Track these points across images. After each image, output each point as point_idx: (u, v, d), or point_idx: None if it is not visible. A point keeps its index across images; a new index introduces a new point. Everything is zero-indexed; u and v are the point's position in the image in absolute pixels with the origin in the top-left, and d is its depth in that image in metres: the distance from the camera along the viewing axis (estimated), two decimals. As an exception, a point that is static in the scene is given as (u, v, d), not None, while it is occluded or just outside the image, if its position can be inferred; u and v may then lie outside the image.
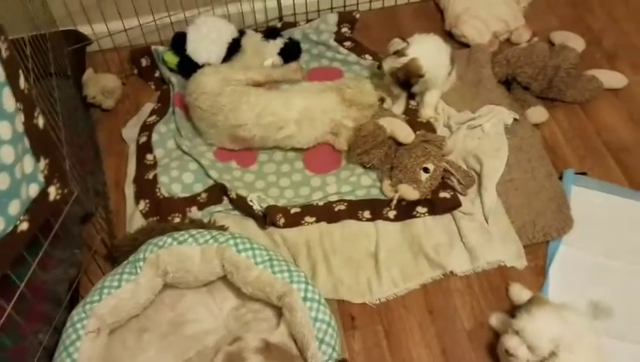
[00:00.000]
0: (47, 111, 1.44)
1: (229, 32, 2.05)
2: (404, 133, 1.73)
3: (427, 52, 1.82)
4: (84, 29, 2.08)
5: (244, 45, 2.07)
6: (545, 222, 1.64)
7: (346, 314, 1.54)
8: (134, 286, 1.36)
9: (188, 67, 2.00)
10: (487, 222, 1.65)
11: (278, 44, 2.09)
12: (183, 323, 1.45)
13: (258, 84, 1.89)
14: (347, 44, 2.17)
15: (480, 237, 1.62)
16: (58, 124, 1.51)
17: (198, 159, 1.80)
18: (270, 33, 2.12)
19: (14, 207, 1.09)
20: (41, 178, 1.17)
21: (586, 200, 1.71)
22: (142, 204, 1.73)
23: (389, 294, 1.55)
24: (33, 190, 1.15)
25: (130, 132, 1.93)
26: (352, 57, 2.11)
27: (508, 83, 2.01)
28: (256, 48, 2.07)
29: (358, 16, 2.26)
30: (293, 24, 2.24)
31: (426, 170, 1.68)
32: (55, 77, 1.74)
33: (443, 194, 1.70)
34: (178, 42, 2.02)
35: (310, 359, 1.27)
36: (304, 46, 2.14)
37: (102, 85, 1.98)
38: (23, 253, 1.18)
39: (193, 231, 1.41)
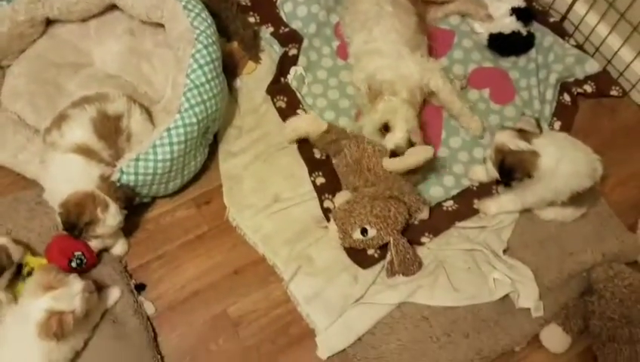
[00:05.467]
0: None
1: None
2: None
3: (557, 156, 1.44)
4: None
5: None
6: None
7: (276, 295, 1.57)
8: None
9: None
10: None
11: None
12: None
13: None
14: (566, 97, 1.78)
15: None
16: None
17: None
18: (523, 14, 1.90)
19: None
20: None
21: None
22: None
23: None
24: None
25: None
26: (535, 92, 1.80)
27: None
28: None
29: (616, 94, 1.75)
30: (561, 31, 1.93)
31: (364, 231, 1.45)
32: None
33: (370, 253, 1.53)
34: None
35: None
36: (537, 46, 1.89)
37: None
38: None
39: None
